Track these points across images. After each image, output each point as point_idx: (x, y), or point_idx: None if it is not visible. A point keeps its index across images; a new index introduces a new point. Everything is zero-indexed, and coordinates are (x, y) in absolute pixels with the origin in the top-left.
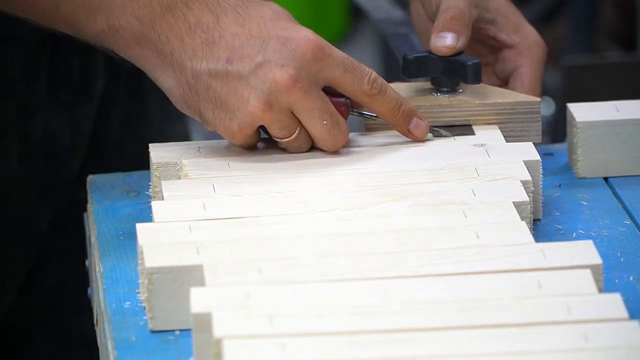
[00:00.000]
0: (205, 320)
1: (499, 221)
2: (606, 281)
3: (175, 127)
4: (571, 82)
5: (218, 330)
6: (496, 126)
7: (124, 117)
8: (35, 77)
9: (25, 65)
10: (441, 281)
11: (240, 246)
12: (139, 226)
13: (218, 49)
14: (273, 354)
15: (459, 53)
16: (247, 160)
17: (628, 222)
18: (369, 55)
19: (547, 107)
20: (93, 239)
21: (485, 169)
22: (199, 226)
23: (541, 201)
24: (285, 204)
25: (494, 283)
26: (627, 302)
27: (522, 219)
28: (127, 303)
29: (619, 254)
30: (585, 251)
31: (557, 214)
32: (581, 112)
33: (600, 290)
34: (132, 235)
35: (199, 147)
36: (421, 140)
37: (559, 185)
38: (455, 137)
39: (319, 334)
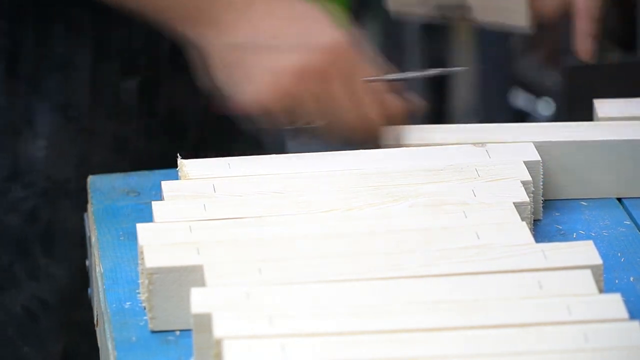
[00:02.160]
0: (205, 321)
1: (499, 221)
2: (606, 281)
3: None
4: (571, 82)
5: (218, 331)
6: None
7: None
8: (157, 51)
9: (147, 38)
10: (441, 281)
11: (241, 246)
12: (139, 226)
13: (262, 27)
14: (273, 354)
15: None
16: (247, 161)
17: (628, 222)
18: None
19: (547, 107)
20: (93, 239)
21: (485, 169)
22: (199, 226)
23: (541, 201)
24: (285, 205)
25: (494, 283)
26: (627, 302)
27: (523, 219)
28: (128, 303)
29: (619, 254)
30: (585, 252)
31: (557, 214)
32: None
33: (601, 291)
34: (132, 235)
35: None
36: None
37: None
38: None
39: (319, 334)
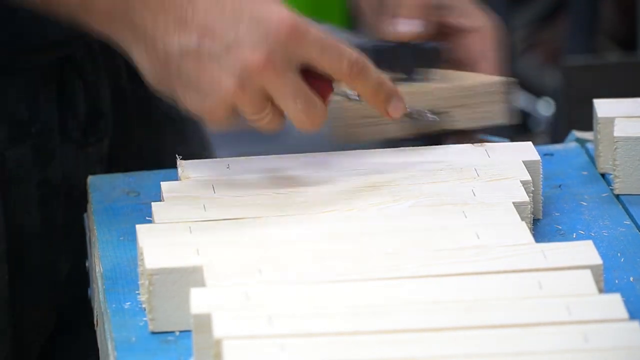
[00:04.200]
0: (205, 321)
1: (499, 222)
2: (606, 281)
3: (191, 147)
4: (571, 82)
5: (218, 331)
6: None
7: (137, 150)
8: (47, 117)
9: (35, 104)
10: (441, 281)
11: (240, 247)
12: (139, 227)
13: (190, 26)
14: (273, 354)
15: (422, 40)
16: (247, 161)
17: (628, 222)
18: None
19: (546, 108)
20: (93, 239)
21: (485, 169)
22: (199, 227)
23: (541, 201)
24: (285, 205)
25: (494, 283)
26: (627, 302)
27: (522, 219)
28: (127, 303)
29: (619, 254)
30: (585, 251)
31: (557, 214)
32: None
33: (601, 291)
34: (132, 236)
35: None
36: (395, 118)
37: (559, 186)
38: (429, 116)
39: (318, 335)
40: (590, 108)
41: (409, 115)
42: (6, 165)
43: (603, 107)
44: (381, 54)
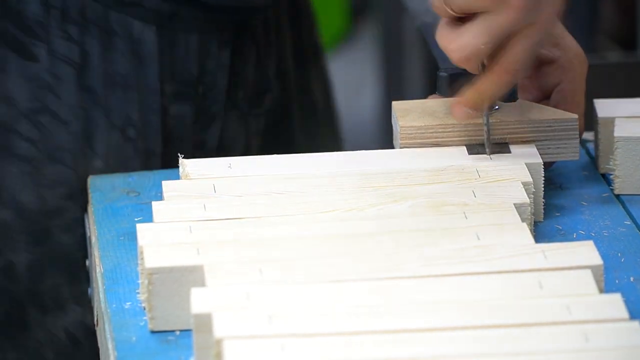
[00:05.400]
0: (205, 321)
1: (500, 222)
2: (606, 281)
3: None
4: None
5: (218, 331)
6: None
7: (290, 134)
8: (215, 80)
9: (206, 65)
10: (442, 282)
11: (241, 247)
12: (139, 226)
13: None
14: (273, 354)
15: None
16: (248, 161)
17: (628, 222)
18: (369, 56)
19: None
20: (93, 239)
21: (486, 170)
22: (200, 226)
23: (542, 204)
24: (286, 205)
25: (495, 284)
26: (627, 302)
27: (523, 220)
28: (128, 303)
29: (619, 254)
30: (585, 252)
31: (557, 214)
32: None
33: (601, 291)
34: (132, 235)
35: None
36: (460, 119)
37: (559, 186)
38: (492, 155)
39: (319, 335)
40: (590, 108)
41: (468, 146)
42: (167, 120)
43: (603, 107)
44: (457, 82)
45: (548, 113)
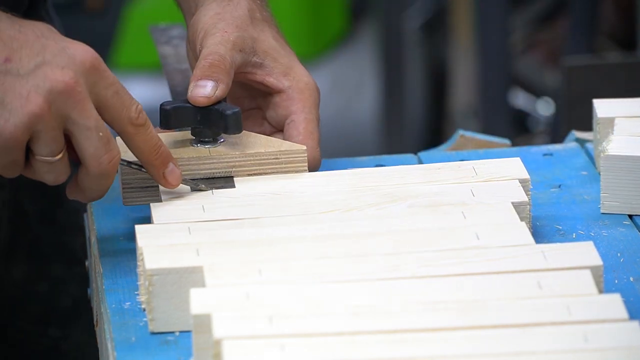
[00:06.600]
0: (205, 321)
1: (499, 222)
2: (606, 282)
3: None
4: (571, 82)
5: (218, 331)
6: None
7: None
8: None
9: None
10: (441, 282)
11: (240, 247)
12: (138, 228)
13: None
14: (273, 354)
15: (219, 101)
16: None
17: (628, 222)
18: (368, 56)
19: (546, 108)
20: (93, 240)
21: (482, 168)
22: (199, 228)
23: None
24: (284, 206)
25: (494, 284)
26: (627, 302)
27: (521, 219)
28: (127, 304)
29: (618, 254)
30: (585, 252)
31: (557, 214)
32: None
33: (600, 291)
34: (132, 236)
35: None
36: (173, 187)
37: (559, 186)
38: (214, 190)
39: (318, 335)
40: (590, 108)
41: (184, 182)
42: None
43: (603, 107)
44: (180, 115)
45: (275, 145)
